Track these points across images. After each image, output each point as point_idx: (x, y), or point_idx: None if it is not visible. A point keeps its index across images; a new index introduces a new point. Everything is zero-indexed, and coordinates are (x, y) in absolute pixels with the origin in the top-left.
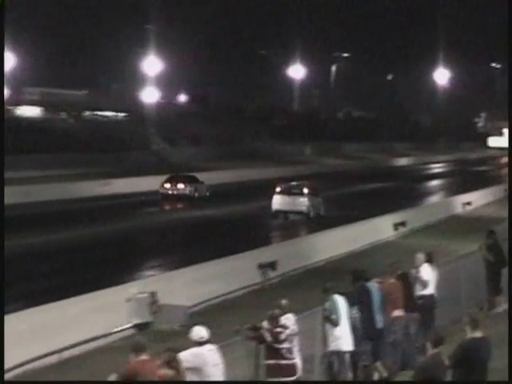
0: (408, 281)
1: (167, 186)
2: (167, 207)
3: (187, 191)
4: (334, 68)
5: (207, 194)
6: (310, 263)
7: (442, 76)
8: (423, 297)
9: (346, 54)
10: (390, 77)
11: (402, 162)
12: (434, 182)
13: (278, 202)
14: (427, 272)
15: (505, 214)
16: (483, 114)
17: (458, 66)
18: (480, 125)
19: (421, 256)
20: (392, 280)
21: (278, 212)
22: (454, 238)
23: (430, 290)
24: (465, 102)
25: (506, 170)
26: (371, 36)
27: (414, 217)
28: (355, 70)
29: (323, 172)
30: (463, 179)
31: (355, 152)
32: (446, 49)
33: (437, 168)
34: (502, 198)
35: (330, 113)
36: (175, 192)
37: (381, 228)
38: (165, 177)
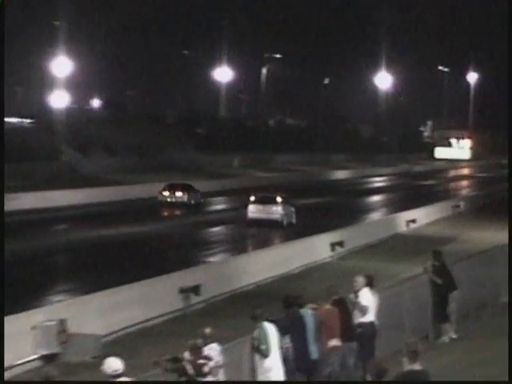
0: (346, 307)
1: (166, 193)
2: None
3: (185, 199)
4: (264, 70)
5: (202, 201)
6: (237, 287)
7: (384, 80)
8: (362, 324)
9: (277, 55)
10: (326, 81)
11: (340, 175)
12: (375, 198)
13: (252, 210)
14: (367, 297)
15: (453, 232)
16: (429, 123)
17: (402, 69)
18: (426, 134)
19: (361, 279)
20: (328, 306)
21: (253, 221)
22: (396, 259)
23: (369, 316)
24: (409, 110)
25: (454, 184)
26: (306, 35)
27: (352, 236)
28: (288, 73)
29: (253, 186)
30: (407, 194)
31: (288, 164)
32: (389, 50)
33: (378, 182)
34: (449, 216)
35: (260, 120)
36: (174, 199)
37: (316, 248)
38: (78, 189)
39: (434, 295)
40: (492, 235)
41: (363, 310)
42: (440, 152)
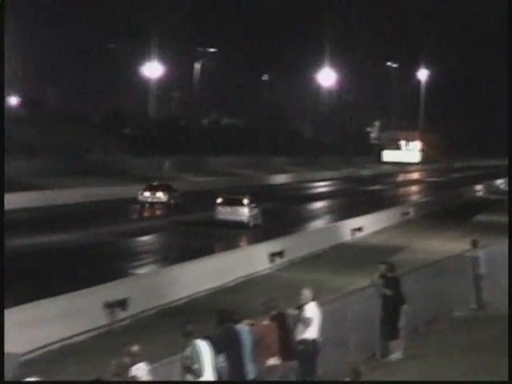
0: (285, 323)
1: (146, 194)
2: None
3: (165, 199)
4: (197, 66)
5: (180, 201)
6: (168, 301)
7: (327, 77)
8: (304, 342)
9: (212, 49)
10: (265, 77)
11: (281, 179)
12: (318, 204)
13: (219, 212)
14: (314, 312)
15: (402, 242)
16: (377, 123)
17: (347, 65)
18: (373, 135)
19: (307, 293)
20: (266, 322)
21: (220, 222)
22: (340, 271)
23: (312, 333)
24: (355, 109)
25: (403, 190)
26: (242, 27)
27: (293, 245)
28: (223, 69)
29: (186, 190)
30: (353, 201)
31: (224, 167)
32: (333, 45)
33: (321, 187)
34: (398, 224)
35: (193, 120)
36: (154, 200)
37: (254, 259)
38: None
39: (382, 309)
40: (443, 244)
41: (307, 323)
42: (388, 155)
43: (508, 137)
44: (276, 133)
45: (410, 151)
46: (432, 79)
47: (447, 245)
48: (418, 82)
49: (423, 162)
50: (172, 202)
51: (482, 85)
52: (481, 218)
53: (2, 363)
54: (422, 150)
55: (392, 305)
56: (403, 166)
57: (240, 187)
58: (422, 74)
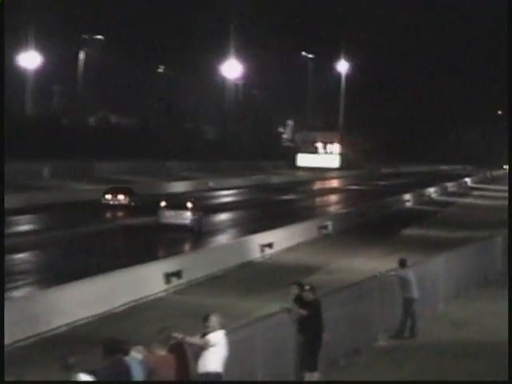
0: (184, 353)
1: (108, 196)
2: None
3: (126, 201)
4: (82, 56)
5: (139, 203)
6: (46, 329)
7: (232, 70)
8: (207, 375)
9: (99, 37)
10: (161, 69)
11: (179, 187)
12: (222, 216)
13: (163, 216)
14: (219, 342)
15: (318, 260)
16: (290, 123)
17: (256, 56)
18: (286, 137)
19: (215, 319)
20: (162, 352)
21: (165, 225)
22: (248, 293)
23: (217, 366)
24: (266, 106)
25: (320, 200)
26: (135, 11)
27: (193, 264)
28: (112, 59)
29: (67, 201)
30: (262, 212)
31: (113, 173)
32: (239, 33)
33: (226, 196)
34: (314, 239)
35: (77, 118)
36: (116, 202)
37: (147, 280)
38: None
39: (299, 337)
40: (365, 263)
41: (216, 356)
42: (303, 159)
43: (508, 138)
44: (173, 134)
45: (328, 155)
46: (354, 72)
47: (370, 263)
48: (338, 75)
49: (343, 167)
50: (132, 204)
51: (412, 80)
52: (409, 232)
53: (3, 363)
54: (342, 154)
55: (312, 332)
56: (321, 172)
57: None
58: (343, 66)
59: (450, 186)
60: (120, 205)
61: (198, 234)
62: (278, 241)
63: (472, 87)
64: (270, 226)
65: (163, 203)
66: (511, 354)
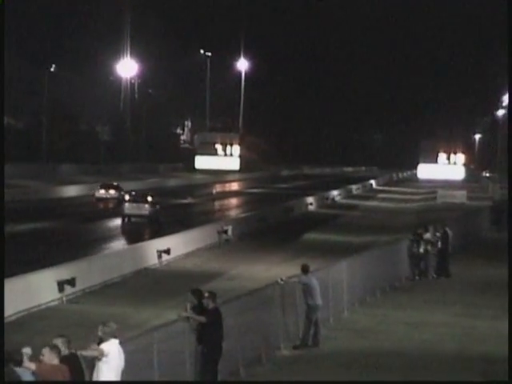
0: (78, 364)
1: (102, 191)
2: None
3: (116, 195)
4: None
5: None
6: None
7: (128, 69)
8: None
9: None
10: (53, 68)
11: (71, 191)
12: (118, 222)
13: (127, 207)
14: (114, 351)
15: (218, 266)
16: (188, 123)
17: (152, 54)
18: (184, 138)
19: (110, 328)
20: (54, 362)
21: (128, 215)
22: (144, 301)
23: (111, 376)
24: (162, 106)
25: (220, 203)
26: (24, 8)
27: (87, 272)
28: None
29: None
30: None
31: (6, 178)
32: (135, 31)
33: None
34: (214, 245)
35: None
36: (108, 196)
37: (38, 288)
38: None
39: (200, 347)
40: (267, 269)
41: (106, 364)
42: (202, 161)
43: (508, 140)
44: (65, 135)
45: (228, 157)
46: (255, 72)
47: (272, 269)
48: (239, 74)
49: (244, 169)
50: (121, 198)
51: (315, 80)
52: (312, 236)
53: (2, 363)
54: (242, 156)
55: (212, 341)
56: (220, 175)
57: (16, 202)
58: (242, 65)
59: (355, 188)
60: (113, 198)
61: (158, 225)
62: (175, 246)
63: (378, 88)
64: (167, 231)
65: (127, 197)
66: (511, 353)
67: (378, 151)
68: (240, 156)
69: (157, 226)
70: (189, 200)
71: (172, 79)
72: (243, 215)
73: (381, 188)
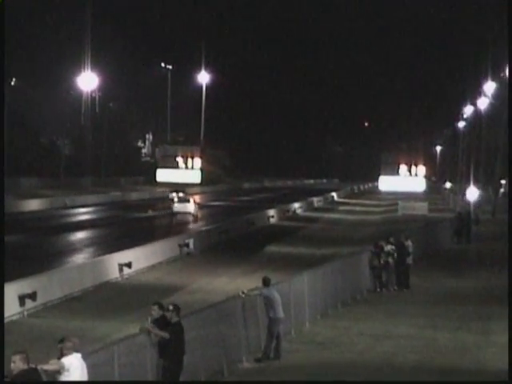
0: (40, 379)
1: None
2: None
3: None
4: None
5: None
6: None
7: (89, 82)
8: None
9: None
10: (13, 82)
11: (32, 205)
12: (79, 235)
13: (176, 206)
14: (75, 365)
15: (180, 280)
16: (149, 136)
17: (113, 66)
18: (145, 151)
19: (71, 342)
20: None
21: (177, 213)
22: (105, 315)
23: None
24: (124, 120)
25: (181, 217)
26: None
27: (48, 286)
28: None
29: None
30: (120, 231)
31: None
32: (95, 42)
33: (82, 214)
34: (175, 258)
35: None
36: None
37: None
38: None
39: (162, 360)
40: (228, 282)
41: (64, 370)
42: (163, 174)
43: (509, 142)
44: (25, 149)
45: (189, 170)
46: (216, 84)
47: (234, 282)
48: (200, 87)
49: (205, 182)
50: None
51: (277, 92)
52: (273, 249)
53: (2, 363)
54: (203, 169)
55: (173, 355)
56: (182, 188)
57: None
58: (204, 78)
59: (316, 200)
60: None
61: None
62: (137, 260)
63: (338, 101)
64: (128, 245)
65: (175, 199)
66: (511, 353)
67: (339, 164)
68: (201, 169)
69: (196, 219)
70: (150, 213)
71: (133, 92)
72: (205, 228)
73: (342, 200)
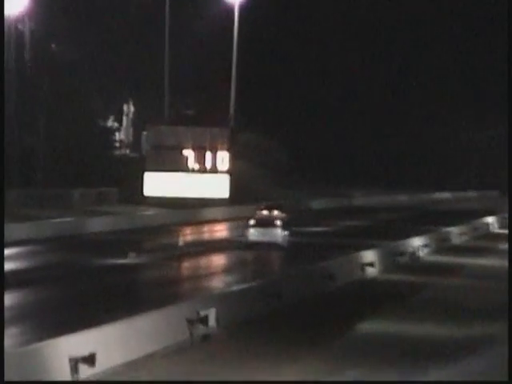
0: None
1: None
2: None
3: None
4: None
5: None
6: None
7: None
8: None
9: None
10: None
11: None
12: None
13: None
14: None
15: None
16: (128, 109)
17: None
18: (120, 137)
19: None
20: None
21: (253, 244)
22: None
23: None
24: (78, 76)
25: (196, 263)
26: None
27: None
28: None
29: None
30: (72, 292)
31: None
32: None
33: None
34: (180, 346)
35: None
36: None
37: None
38: None
39: None
40: None
41: None
42: (156, 183)
43: (508, 143)
44: None
45: (208, 174)
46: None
47: None
48: (226, 10)
49: (235, 197)
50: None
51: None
52: (373, 328)
53: (2, 363)
54: (231, 174)
55: None
56: (194, 208)
57: None
58: None
59: (457, 232)
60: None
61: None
62: (105, 350)
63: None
64: (89, 320)
65: (251, 222)
66: (511, 352)
67: (493, 161)
68: (229, 172)
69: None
70: (131, 259)
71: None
72: (236, 287)
73: (503, 231)
